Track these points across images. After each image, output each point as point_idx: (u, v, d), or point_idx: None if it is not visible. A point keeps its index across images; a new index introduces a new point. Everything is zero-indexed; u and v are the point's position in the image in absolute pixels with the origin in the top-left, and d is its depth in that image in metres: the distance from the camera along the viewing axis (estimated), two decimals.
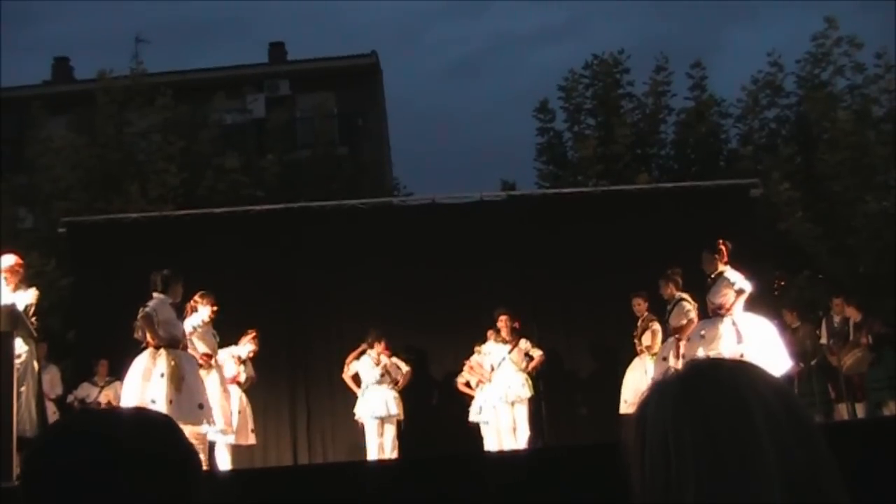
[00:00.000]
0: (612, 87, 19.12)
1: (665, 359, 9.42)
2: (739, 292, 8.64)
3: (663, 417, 1.21)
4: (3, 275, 7.89)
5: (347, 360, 11.02)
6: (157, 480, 1.19)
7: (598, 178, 17.48)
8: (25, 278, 8.25)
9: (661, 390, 1.25)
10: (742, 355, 8.27)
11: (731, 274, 8.74)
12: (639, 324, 10.58)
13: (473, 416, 11.03)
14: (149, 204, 16.03)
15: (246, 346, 10.40)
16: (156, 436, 1.24)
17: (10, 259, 8.06)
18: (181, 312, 9.02)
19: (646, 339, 10.40)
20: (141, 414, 1.33)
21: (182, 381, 8.18)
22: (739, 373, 1.24)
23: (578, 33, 73.28)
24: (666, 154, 19.46)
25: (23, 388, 7.44)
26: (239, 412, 10.25)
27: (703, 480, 1.15)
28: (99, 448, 1.19)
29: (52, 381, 11.33)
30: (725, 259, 8.87)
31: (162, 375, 8.19)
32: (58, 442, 1.23)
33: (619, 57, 19.26)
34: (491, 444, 10.73)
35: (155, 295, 8.48)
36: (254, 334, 10.49)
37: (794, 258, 15.88)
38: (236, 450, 10.07)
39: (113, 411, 1.35)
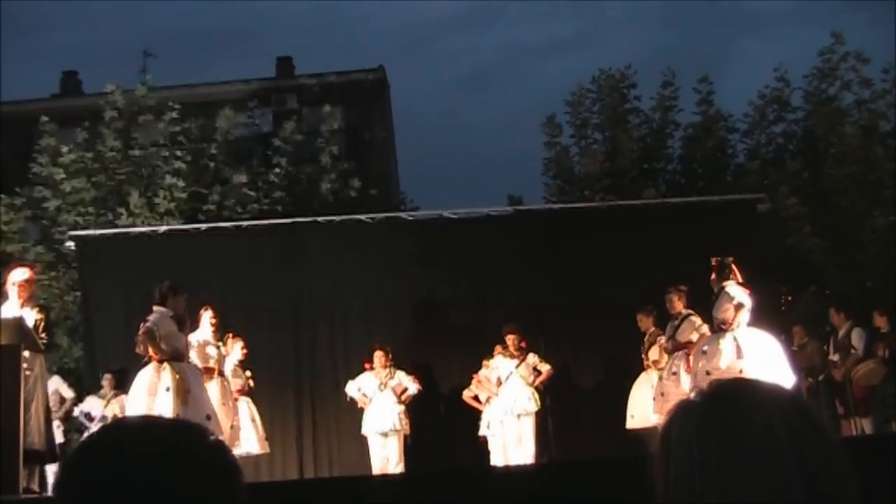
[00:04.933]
0: (618, 102, 19.14)
1: (675, 373, 9.40)
2: (738, 307, 8.62)
3: (688, 436, 1.22)
4: (15, 288, 7.91)
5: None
6: (198, 492, 1.18)
7: (605, 192, 17.49)
8: (35, 293, 8.25)
9: (685, 409, 1.26)
10: (741, 371, 8.27)
11: (732, 289, 8.73)
12: (646, 339, 10.58)
13: (483, 430, 11.02)
14: (156, 218, 16.07)
15: (237, 352, 10.37)
16: (195, 447, 1.22)
17: (23, 273, 8.06)
18: (190, 325, 9.03)
19: (653, 353, 10.39)
20: (178, 425, 1.31)
21: (188, 393, 8.18)
22: (762, 391, 1.25)
23: (587, 45, 73.56)
24: (673, 169, 19.46)
25: (32, 402, 7.44)
26: (252, 421, 10.27)
27: (728, 498, 1.15)
28: (136, 461, 1.17)
29: (59, 390, 11.40)
30: (735, 276, 8.85)
31: (167, 390, 8.18)
32: (93, 455, 1.21)
33: (626, 72, 19.30)
34: (498, 458, 10.72)
35: (155, 308, 8.47)
36: (238, 340, 10.44)
37: (802, 273, 15.86)
38: (245, 461, 10.07)
39: (149, 422, 1.32)
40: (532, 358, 10.95)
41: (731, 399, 1.24)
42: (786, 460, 1.16)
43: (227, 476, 1.22)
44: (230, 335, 10.16)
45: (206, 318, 9.60)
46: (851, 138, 16.64)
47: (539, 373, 10.94)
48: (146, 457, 1.17)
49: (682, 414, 1.26)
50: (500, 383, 10.84)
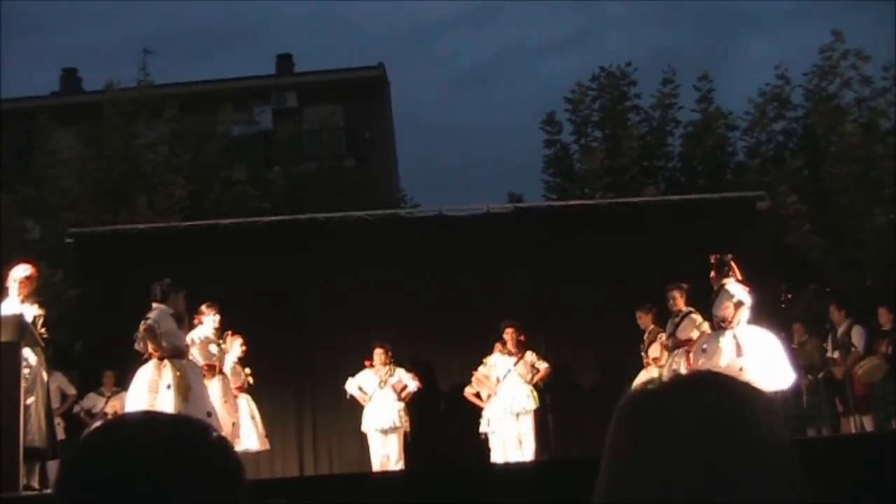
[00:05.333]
0: (618, 100, 19.12)
1: (675, 371, 9.40)
2: (738, 305, 8.64)
3: (636, 425, 1.23)
4: (15, 285, 7.90)
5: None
6: (202, 489, 1.17)
7: (605, 190, 17.48)
8: (37, 290, 8.25)
9: (636, 400, 1.27)
10: (741, 369, 8.31)
11: (732, 287, 8.75)
12: (645, 336, 10.59)
13: (483, 428, 11.02)
14: (156, 215, 16.06)
15: (236, 349, 10.39)
16: (197, 444, 1.21)
17: (25, 270, 8.06)
18: (189, 323, 9.03)
19: (653, 350, 10.40)
20: (180, 421, 1.31)
21: (189, 391, 8.20)
22: (718, 387, 1.23)
23: (588, 44, 73.35)
24: (673, 167, 19.44)
25: (31, 399, 7.44)
26: (251, 418, 10.28)
27: (671, 490, 1.15)
28: (137, 458, 1.16)
29: (61, 386, 11.41)
30: (734, 273, 8.86)
31: (168, 387, 8.21)
32: (94, 451, 1.20)
33: (626, 69, 19.28)
34: (498, 455, 10.72)
35: (154, 305, 8.48)
36: (237, 338, 10.44)
37: (801, 271, 15.85)
38: (245, 458, 10.07)
39: (150, 418, 1.31)
40: (530, 356, 10.96)
41: (683, 393, 1.23)
42: (734, 458, 1.16)
43: (230, 472, 1.22)
44: (229, 333, 10.17)
45: (211, 315, 9.60)
46: (851, 136, 16.62)
47: (537, 370, 10.94)
48: (147, 453, 1.17)
49: (632, 405, 1.26)
50: (498, 381, 10.85)
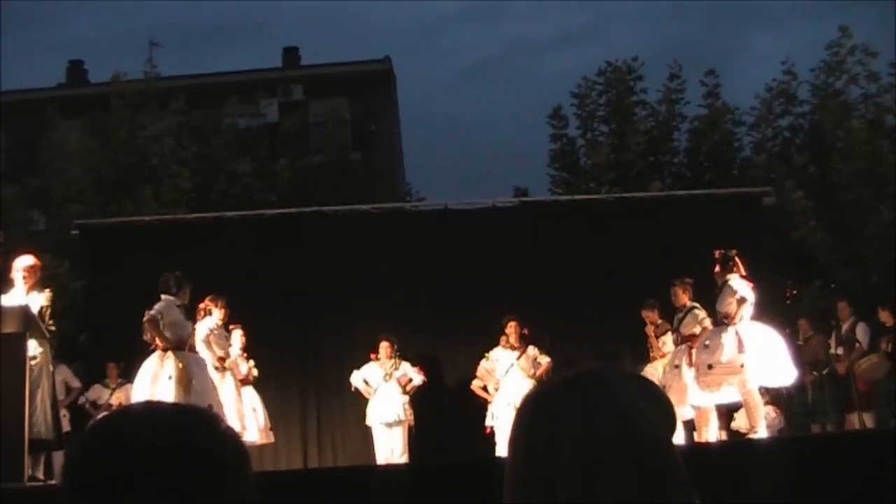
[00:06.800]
0: (625, 95, 19.09)
1: (677, 366, 9.40)
2: (741, 301, 8.63)
3: (527, 424, 1.27)
4: (20, 275, 7.90)
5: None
6: (208, 479, 1.17)
7: (611, 185, 17.45)
8: (41, 280, 8.25)
9: (529, 399, 1.31)
10: (742, 365, 8.33)
11: (736, 283, 8.74)
12: (652, 330, 10.58)
13: (490, 421, 11.02)
14: (161, 207, 16.06)
15: (237, 341, 10.40)
16: (204, 433, 1.22)
17: (28, 260, 8.06)
18: (192, 315, 9.04)
19: (662, 343, 10.40)
20: (187, 410, 1.30)
21: (190, 382, 8.20)
22: (599, 386, 1.27)
23: (595, 38, 73.27)
24: (679, 162, 19.42)
25: (38, 390, 7.45)
26: (253, 411, 10.29)
27: (554, 486, 1.19)
28: (144, 448, 1.16)
29: (66, 379, 11.44)
30: (738, 269, 8.86)
31: (170, 378, 8.21)
32: (100, 442, 1.20)
33: (633, 64, 19.24)
34: (503, 449, 10.71)
35: (163, 297, 8.50)
36: (237, 328, 10.44)
37: (807, 267, 15.82)
38: (251, 450, 10.04)
39: (156, 408, 1.31)
40: (532, 350, 10.94)
41: (584, 391, 1.26)
42: (631, 458, 1.19)
43: (236, 463, 1.22)
44: (230, 325, 10.18)
45: (219, 307, 9.60)
46: (858, 132, 16.57)
47: (539, 365, 10.93)
48: (153, 443, 1.17)
49: (535, 402, 1.30)
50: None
